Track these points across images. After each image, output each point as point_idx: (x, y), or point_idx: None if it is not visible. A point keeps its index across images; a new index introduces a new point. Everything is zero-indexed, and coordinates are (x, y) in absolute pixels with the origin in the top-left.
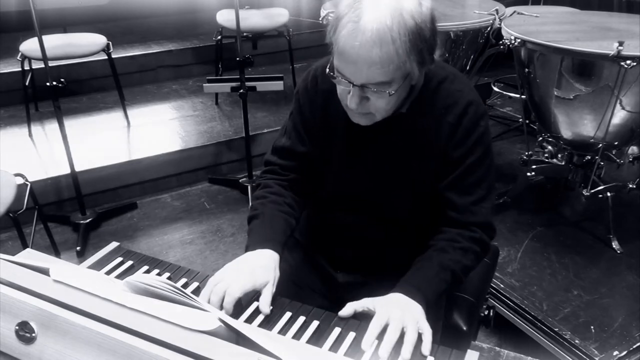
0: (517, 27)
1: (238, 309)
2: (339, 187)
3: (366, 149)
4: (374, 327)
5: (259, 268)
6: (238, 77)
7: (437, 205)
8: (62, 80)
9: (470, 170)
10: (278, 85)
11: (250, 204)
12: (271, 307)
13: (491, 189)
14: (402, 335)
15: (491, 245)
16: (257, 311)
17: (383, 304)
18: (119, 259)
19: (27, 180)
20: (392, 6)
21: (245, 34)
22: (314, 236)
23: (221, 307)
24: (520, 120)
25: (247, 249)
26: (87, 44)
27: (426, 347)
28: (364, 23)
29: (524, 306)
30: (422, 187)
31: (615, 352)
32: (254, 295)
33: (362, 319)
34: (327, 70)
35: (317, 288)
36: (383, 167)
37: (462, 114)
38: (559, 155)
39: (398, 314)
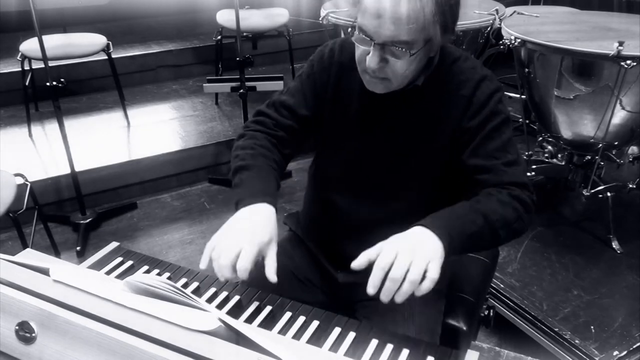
0: (517, 27)
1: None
2: (352, 161)
3: (379, 122)
4: (378, 266)
5: (259, 226)
6: (238, 77)
7: (463, 183)
8: (62, 80)
9: (491, 136)
10: (278, 85)
11: (234, 150)
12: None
13: (519, 155)
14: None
15: (533, 208)
16: (257, 311)
17: (394, 238)
18: (119, 259)
19: (27, 180)
20: None
21: (245, 34)
22: (315, 232)
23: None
24: (520, 120)
25: (238, 204)
26: (87, 44)
27: (423, 287)
28: None
29: (524, 306)
30: (434, 164)
31: (615, 352)
32: (262, 259)
33: (362, 318)
34: (349, 29)
35: (318, 284)
36: (395, 142)
37: (476, 87)
38: (559, 155)
39: (406, 248)
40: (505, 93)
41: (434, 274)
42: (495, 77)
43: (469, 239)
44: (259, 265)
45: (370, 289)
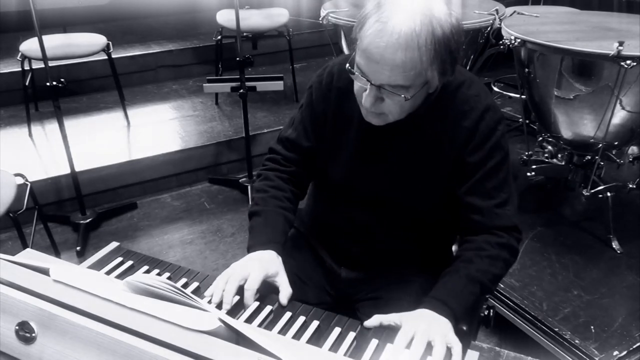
0: (517, 27)
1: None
2: (349, 183)
3: (379, 148)
4: (399, 342)
5: (267, 261)
6: (238, 77)
7: (458, 212)
8: (62, 80)
9: (490, 175)
10: (278, 85)
11: (250, 199)
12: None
13: (512, 193)
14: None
15: (518, 250)
16: (257, 311)
17: (410, 318)
18: (119, 259)
19: (27, 180)
20: (423, 12)
21: (245, 34)
22: (318, 230)
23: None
24: (520, 120)
25: (249, 249)
26: (87, 44)
27: (456, 358)
28: (393, 25)
29: (524, 306)
30: (433, 191)
31: (615, 352)
32: (268, 287)
33: (363, 317)
34: (347, 65)
35: (320, 283)
36: (395, 168)
37: (479, 119)
38: (559, 155)
39: (424, 327)
40: (505, 93)
41: (457, 343)
42: (498, 106)
43: (470, 308)
44: (269, 286)
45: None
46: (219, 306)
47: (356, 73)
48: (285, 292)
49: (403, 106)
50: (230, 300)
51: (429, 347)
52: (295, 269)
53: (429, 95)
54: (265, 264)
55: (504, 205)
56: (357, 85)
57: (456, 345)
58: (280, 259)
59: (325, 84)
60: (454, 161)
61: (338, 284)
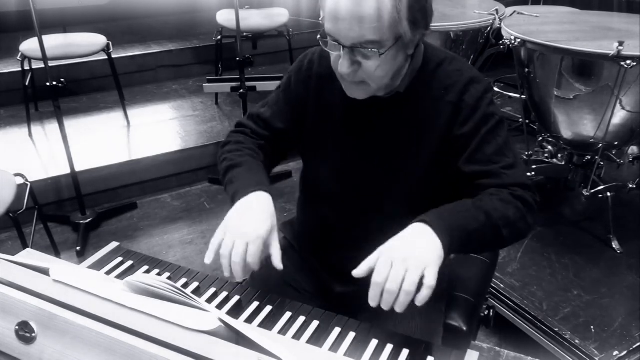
0: (517, 27)
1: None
2: (335, 176)
3: (364, 132)
4: (375, 281)
5: (260, 218)
6: (238, 77)
7: (461, 188)
8: (62, 80)
9: (487, 141)
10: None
11: (220, 157)
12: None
13: (518, 159)
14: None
15: (536, 209)
16: (257, 311)
17: (392, 240)
18: (119, 259)
19: (27, 180)
20: None
21: (245, 34)
22: (308, 241)
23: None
24: (520, 120)
25: (234, 197)
26: (87, 44)
27: (422, 296)
28: None
29: (524, 306)
30: (422, 173)
31: (615, 352)
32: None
33: (363, 319)
34: (318, 36)
35: (315, 294)
36: (381, 151)
37: (463, 92)
38: (559, 155)
39: (401, 256)
40: (505, 93)
41: (430, 280)
42: (483, 76)
43: (471, 235)
44: (261, 263)
45: (372, 303)
46: (219, 306)
47: (328, 41)
48: (276, 255)
49: (381, 68)
50: (241, 277)
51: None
52: (289, 279)
53: (410, 62)
54: (259, 229)
55: (511, 168)
56: (332, 57)
57: (430, 279)
58: (271, 201)
59: (305, 70)
60: (443, 139)
61: (332, 298)
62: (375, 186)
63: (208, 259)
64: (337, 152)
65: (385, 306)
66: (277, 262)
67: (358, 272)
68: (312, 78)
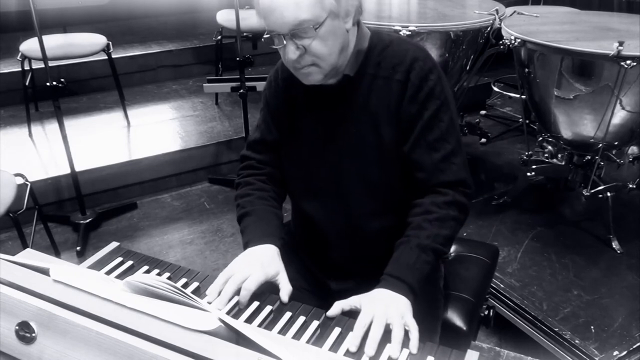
0: (517, 27)
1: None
2: (306, 171)
3: (325, 119)
4: (358, 327)
5: (267, 261)
6: (238, 77)
7: (406, 175)
8: (62, 80)
9: (429, 126)
10: None
11: (235, 201)
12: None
13: (459, 144)
14: (389, 332)
15: (468, 204)
16: (257, 311)
17: (368, 300)
18: (119, 259)
19: (27, 180)
20: None
21: (245, 34)
22: (302, 240)
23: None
24: (520, 120)
25: (246, 245)
26: (87, 44)
27: (413, 344)
28: None
29: (524, 306)
30: (387, 153)
31: (615, 352)
32: (268, 285)
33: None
34: (262, 38)
35: (314, 293)
36: (345, 136)
37: (409, 70)
38: (559, 155)
39: (381, 310)
40: (505, 93)
41: (413, 325)
42: (431, 55)
43: (426, 277)
44: (269, 285)
45: (352, 347)
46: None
47: (269, 37)
48: (285, 289)
49: (324, 44)
50: (225, 301)
51: (388, 331)
52: (289, 278)
53: (357, 53)
54: (266, 268)
55: (450, 158)
56: (281, 52)
57: (413, 327)
58: (278, 253)
59: (273, 81)
60: (396, 118)
61: (330, 296)
62: (344, 175)
63: (211, 291)
64: (305, 144)
65: (370, 350)
66: (284, 296)
67: (331, 313)
68: (279, 84)
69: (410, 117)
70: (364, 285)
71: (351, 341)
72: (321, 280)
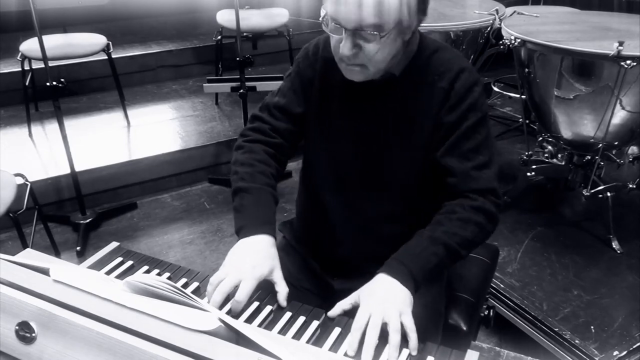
0: (517, 27)
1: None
2: (333, 159)
3: (360, 116)
4: (355, 329)
5: (260, 259)
6: (238, 77)
7: (436, 181)
8: (62, 80)
9: (466, 136)
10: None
11: (233, 164)
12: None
13: (492, 157)
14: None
15: (497, 215)
16: (257, 311)
17: (365, 295)
18: (119, 259)
19: (27, 180)
20: None
21: (245, 34)
22: (309, 237)
23: (221, 308)
24: (520, 120)
25: (239, 232)
26: (87, 44)
27: (412, 346)
28: None
29: (524, 306)
30: (417, 157)
31: (615, 352)
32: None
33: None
34: (320, 18)
35: (315, 292)
36: (376, 134)
37: (455, 79)
38: (559, 155)
39: (379, 308)
40: (505, 93)
41: (410, 325)
42: (475, 70)
43: (432, 271)
44: (267, 283)
45: (350, 352)
46: (219, 306)
47: (330, 25)
48: (282, 292)
49: (381, 51)
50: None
51: (384, 331)
52: (288, 277)
53: (406, 47)
54: (258, 268)
55: (482, 168)
56: (333, 40)
57: (410, 329)
58: (274, 244)
59: (312, 54)
60: (434, 123)
61: (332, 295)
62: (372, 170)
63: (209, 300)
64: (336, 133)
65: (367, 357)
66: (282, 299)
67: (332, 314)
68: (317, 61)
69: (448, 125)
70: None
71: (349, 346)
72: (323, 279)
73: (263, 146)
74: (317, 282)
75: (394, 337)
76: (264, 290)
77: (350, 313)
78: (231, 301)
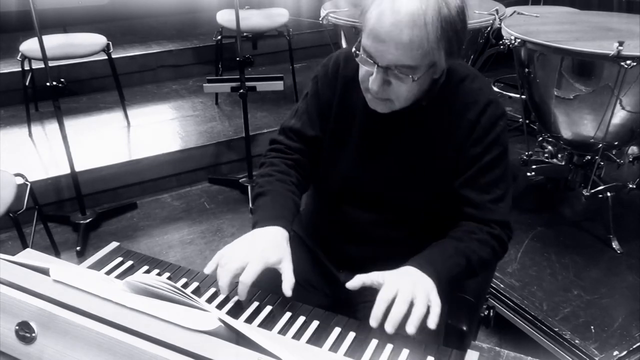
0: (517, 27)
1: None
2: (351, 178)
3: (383, 139)
4: (382, 299)
5: (270, 246)
6: (238, 77)
7: (452, 205)
8: (62, 80)
9: (487, 169)
10: (278, 85)
11: (256, 179)
12: (292, 289)
13: (508, 190)
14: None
15: (508, 246)
16: (257, 311)
17: (392, 275)
18: (119, 259)
19: (27, 180)
20: None
21: (245, 34)
22: (318, 233)
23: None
24: (520, 120)
25: (254, 226)
26: (87, 44)
27: (432, 319)
28: (399, 4)
29: (524, 306)
30: (436, 184)
31: (615, 352)
32: (269, 281)
33: (363, 318)
34: (354, 49)
35: (319, 287)
36: (398, 160)
37: (482, 112)
38: (559, 155)
39: (408, 284)
40: (505, 93)
41: (437, 302)
42: (501, 101)
43: (452, 278)
44: (272, 273)
45: (373, 322)
46: (219, 306)
47: (362, 56)
48: (288, 281)
49: (410, 90)
50: (226, 291)
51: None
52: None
53: (433, 84)
54: (267, 253)
55: (498, 202)
56: (362, 70)
57: (436, 304)
58: (287, 238)
59: (331, 73)
60: (455, 154)
61: (337, 288)
62: (390, 191)
63: (208, 269)
64: (354, 154)
65: (390, 326)
66: (287, 289)
67: (351, 284)
68: (337, 80)
69: (471, 157)
70: None
71: (372, 316)
72: (330, 273)
73: (282, 159)
74: (323, 275)
75: (419, 309)
76: (264, 291)
77: (360, 316)
78: (237, 283)
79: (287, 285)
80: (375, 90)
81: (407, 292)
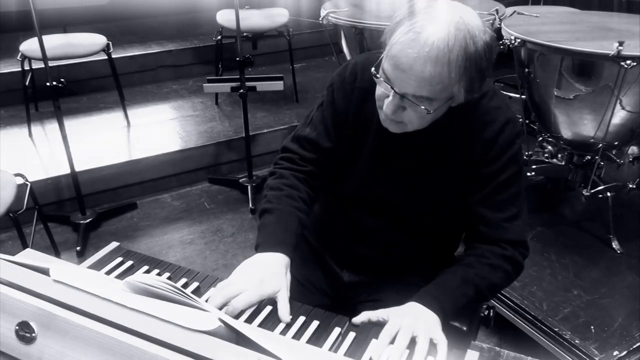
0: (517, 27)
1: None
2: (362, 187)
3: (396, 153)
4: (383, 336)
5: (268, 276)
6: (238, 77)
7: (464, 220)
8: (62, 80)
9: (502, 188)
10: (278, 85)
11: (264, 189)
12: (291, 316)
13: (523, 208)
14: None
15: (523, 266)
16: (257, 311)
17: (397, 312)
18: (119, 259)
19: (27, 180)
20: (457, 26)
21: (245, 34)
22: (323, 232)
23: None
24: (520, 120)
25: (257, 248)
26: (87, 44)
27: (441, 358)
28: (426, 36)
29: (524, 306)
30: (448, 198)
31: (615, 352)
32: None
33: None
34: (373, 69)
35: (320, 286)
36: (412, 172)
37: (499, 132)
38: (559, 155)
39: (409, 322)
40: (505, 93)
41: (442, 339)
42: (518, 120)
43: (460, 309)
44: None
45: (375, 357)
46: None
47: (381, 78)
48: (283, 309)
49: (424, 118)
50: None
51: (413, 343)
52: (294, 271)
53: (450, 107)
54: (264, 285)
55: (513, 220)
56: (379, 90)
57: (442, 342)
58: (287, 265)
59: (348, 83)
60: (470, 172)
61: (339, 287)
62: (400, 202)
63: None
64: (368, 164)
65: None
66: (284, 315)
67: (358, 320)
68: (354, 90)
69: (486, 175)
70: (378, 279)
71: (374, 350)
72: (333, 271)
73: (293, 172)
74: (325, 274)
75: (421, 346)
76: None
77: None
78: (229, 304)
79: (283, 312)
80: (389, 114)
81: (407, 329)
